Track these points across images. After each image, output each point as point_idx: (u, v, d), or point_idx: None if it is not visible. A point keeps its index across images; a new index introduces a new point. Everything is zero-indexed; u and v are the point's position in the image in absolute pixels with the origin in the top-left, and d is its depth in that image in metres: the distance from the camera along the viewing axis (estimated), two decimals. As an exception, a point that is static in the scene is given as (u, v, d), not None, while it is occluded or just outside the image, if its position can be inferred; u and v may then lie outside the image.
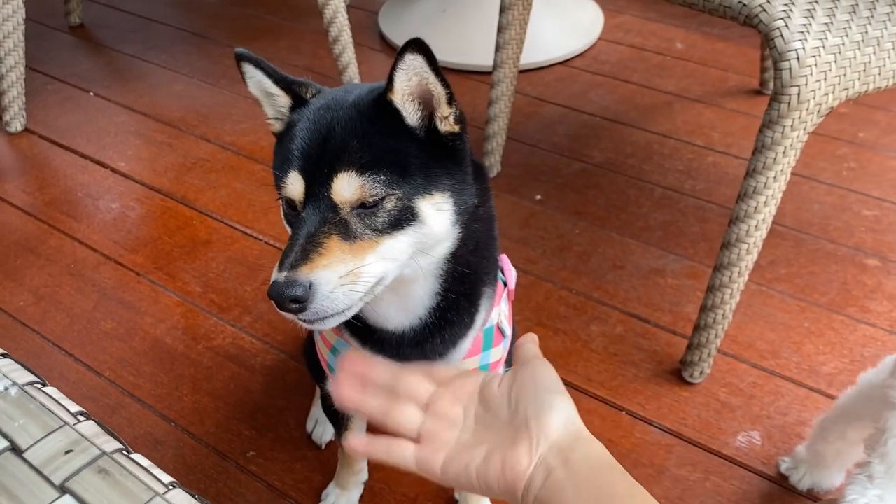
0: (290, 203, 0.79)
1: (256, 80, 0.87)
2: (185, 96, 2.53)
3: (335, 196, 0.74)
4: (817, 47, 1.16)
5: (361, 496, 1.34)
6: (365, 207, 0.74)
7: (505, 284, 1.01)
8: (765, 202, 1.29)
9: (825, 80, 1.17)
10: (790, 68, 1.16)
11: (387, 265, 0.76)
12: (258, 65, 0.85)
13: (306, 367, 1.44)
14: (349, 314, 0.75)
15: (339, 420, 1.17)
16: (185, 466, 1.42)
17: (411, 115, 0.79)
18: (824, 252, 1.87)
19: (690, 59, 2.63)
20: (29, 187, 2.15)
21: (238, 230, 1.96)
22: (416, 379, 0.76)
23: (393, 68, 0.75)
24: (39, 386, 0.68)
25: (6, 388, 0.65)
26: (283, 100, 0.87)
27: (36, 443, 0.61)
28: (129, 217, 2.03)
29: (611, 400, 1.51)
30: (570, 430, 0.68)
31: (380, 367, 0.79)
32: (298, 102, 0.85)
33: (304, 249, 0.71)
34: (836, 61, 1.17)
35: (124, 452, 0.60)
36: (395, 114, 0.78)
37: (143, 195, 2.10)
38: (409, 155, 0.78)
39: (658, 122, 2.35)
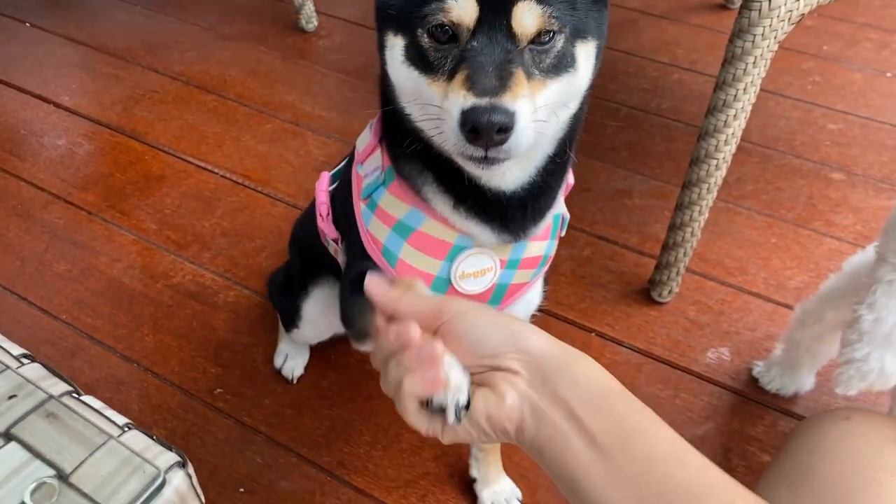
0: (443, 32, 0.69)
1: None
2: (129, 25, 2.40)
3: (516, 25, 0.67)
4: (788, -50, 1.11)
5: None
6: (537, 44, 0.68)
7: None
8: (734, 115, 1.26)
9: (796, -15, 1.13)
10: (761, -27, 1.11)
11: (549, 112, 0.71)
12: None
13: (276, 309, 1.41)
14: (519, 159, 0.71)
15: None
16: (150, 406, 1.39)
17: None
18: (790, 167, 1.86)
19: (654, -26, 2.56)
20: (-33, 126, 2.04)
21: (192, 164, 1.89)
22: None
23: None
24: (-22, 329, 0.63)
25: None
26: None
27: (-25, 388, 0.56)
28: (76, 154, 1.93)
29: (580, 322, 1.50)
30: (536, 356, 0.61)
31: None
32: None
33: (499, 77, 0.64)
34: (807, -35, 1.13)
35: (74, 395, 0.56)
36: None
37: (91, 130, 2.01)
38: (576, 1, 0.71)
39: (623, 40, 2.29)
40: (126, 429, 0.54)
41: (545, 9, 0.67)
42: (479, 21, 0.67)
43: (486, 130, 0.63)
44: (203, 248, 1.68)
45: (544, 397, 0.59)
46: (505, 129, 0.63)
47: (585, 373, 0.60)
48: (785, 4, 1.13)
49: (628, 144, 1.93)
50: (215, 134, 1.97)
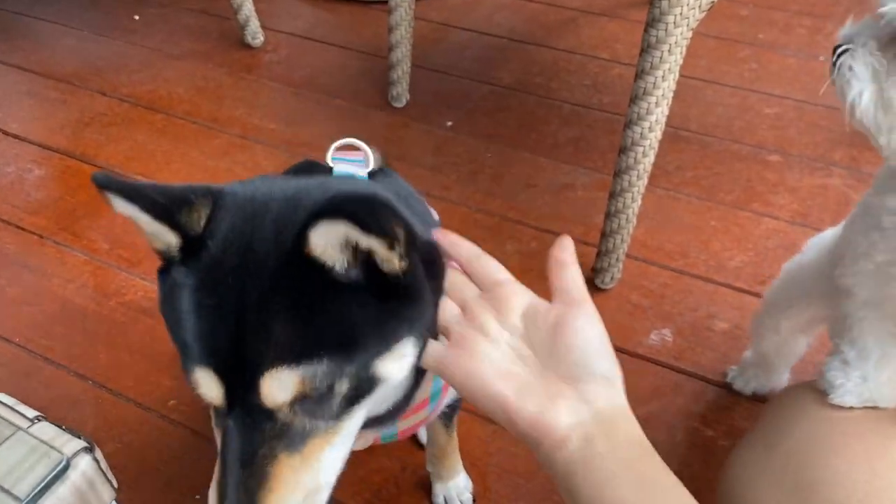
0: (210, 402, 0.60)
1: (129, 214, 0.61)
2: (76, 50, 2.42)
3: (267, 401, 0.55)
4: (692, -60, 1.16)
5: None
6: (309, 401, 0.57)
7: None
8: (656, 102, 1.30)
9: (702, -27, 1.18)
10: (667, -36, 1.16)
11: (345, 451, 0.61)
12: (128, 195, 0.59)
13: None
14: None
15: None
16: (105, 422, 1.40)
17: (341, 264, 0.57)
18: (729, 152, 1.91)
19: (593, -26, 2.62)
20: (-84, 158, 2.04)
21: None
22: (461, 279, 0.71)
23: (302, 230, 0.55)
24: None
25: None
26: (171, 237, 0.61)
27: None
28: (26, 179, 1.94)
29: (527, 313, 1.53)
30: (615, 403, 0.63)
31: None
32: (188, 243, 0.61)
33: (245, 487, 0.54)
34: (711, -47, 1.18)
35: (-15, 393, 0.59)
36: (321, 268, 0.57)
37: (40, 156, 2.02)
38: (353, 317, 0.58)
39: (564, 39, 2.34)
40: (36, 420, 0.56)
41: (304, 370, 0.55)
42: (229, 399, 0.57)
43: None
44: (155, 264, 1.68)
45: (601, 435, 0.60)
46: None
47: (634, 428, 0.63)
48: (692, -8, 1.18)
49: (572, 140, 1.98)
50: (164, 152, 1.99)
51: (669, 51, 1.24)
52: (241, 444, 0.55)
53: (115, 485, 0.57)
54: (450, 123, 2.06)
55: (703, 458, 1.30)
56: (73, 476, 0.53)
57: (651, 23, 1.23)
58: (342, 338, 0.56)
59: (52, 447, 0.53)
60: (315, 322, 0.56)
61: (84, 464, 0.54)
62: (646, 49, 1.25)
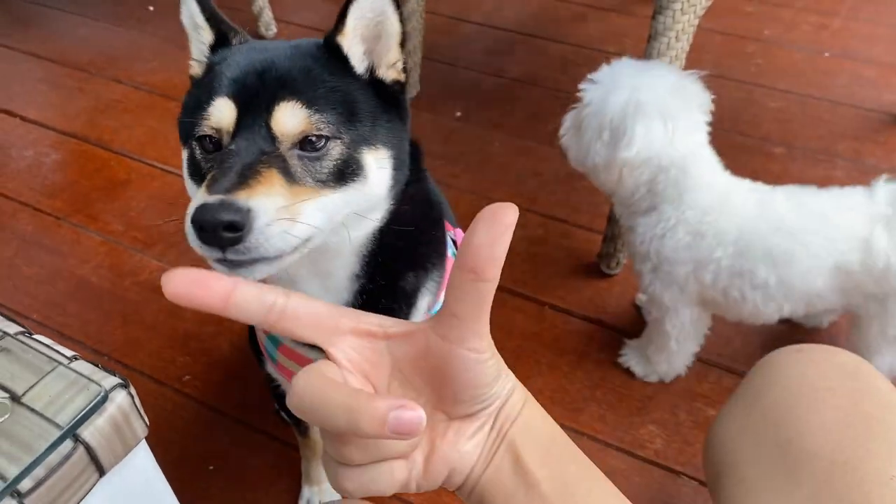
0: (209, 140, 0.66)
1: (188, 9, 0.75)
2: (92, 39, 2.46)
3: (276, 126, 0.63)
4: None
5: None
6: (307, 150, 0.64)
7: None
8: (662, 88, 1.33)
9: (709, -39, 1.21)
10: (675, -49, 1.19)
11: (323, 219, 0.64)
12: None
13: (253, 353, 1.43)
14: (279, 265, 0.61)
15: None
16: (121, 396, 1.43)
17: (358, 60, 0.71)
18: (734, 144, 1.94)
19: (602, -30, 2.65)
20: (-65, 142, 2.08)
21: (157, 168, 1.94)
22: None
23: (348, 2, 0.68)
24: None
25: None
26: (206, 35, 0.74)
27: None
28: (43, 163, 1.98)
29: (534, 296, 1.56)
30: (515, 397, 0.54)
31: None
32: (221, 42, 0.74)
33: (240, 175, 0.59)
34: (718, -58, 1.21)
35: (26, 334, 0.62)
36: (341, 58, 0.70)
37: (57, 141, 2.06)
38: (356, 99, 0.69)
39: (572, 33, 2.38)
40: (73, 359, 0.59)
41: (312, 113, 0.64)
42: (239, 124, 0.64)
43: (211, 228, 0.55)
44: (169, 246, 1.73)
45: (498, 442, 0.54)
46: (235, 227, 0.55)
47: (535, 416, 0.55)
48: (699, -21, 1.21)
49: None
50: (178, 139, 2.02)
51: (677, 38, 1.27)
52: (242, 154, 0.61)
53: (147, 422, 0.61)
54: (459, 114, 2.09)
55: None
56: (111, 409, 0.56)
57: (659, 10, 1.26)
58: (346, 108, 0.67)
59: (91, 380, 0.56)
60: (328, 86, 0.67)
61: (120, 398, 0.57)
62: (654, 36, 1.29)
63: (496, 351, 0.52)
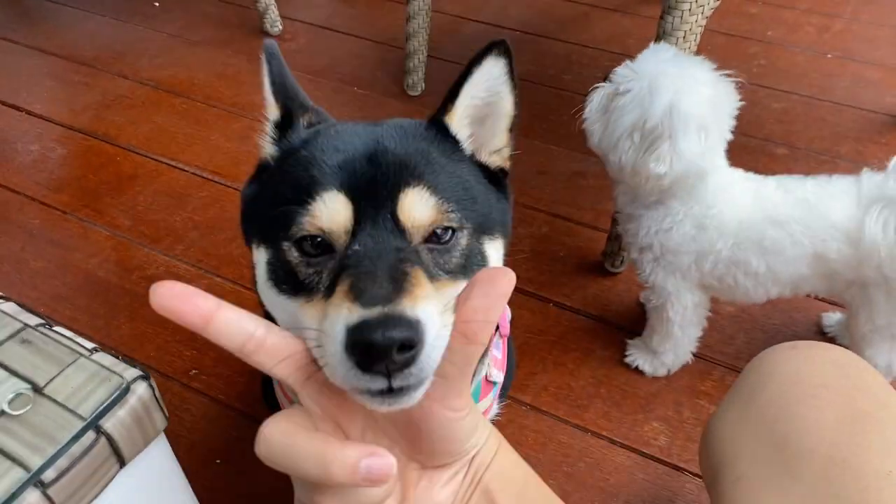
0: (311, 242, 0.56)
1: (264, 82, 0.68)
2: (98, 35, 2.47)
3: (403, 216, 0.54)
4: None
5: None
6: (433, 242, 0.56)
7: (496, 329, 0.88)
8: (669, 89, 1.34)
9: (717, -37, 1.22)
10: (683, -47, 1.20)
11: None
12: (269, 60, 0.68)
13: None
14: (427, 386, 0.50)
15: None
16: (128, 390, 1.44)
17: (466, 142, 0.65)
18: (737, 144, 1.92)
19: (606, -30, 2.66)
20: (-59, 136, 2.09)
21: (163, 163, 1.95)
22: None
23: (465, 75, 0.63)
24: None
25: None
26: (272, 111, 0.67)
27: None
28: (50, 158, 1.99)
29: (539, 293, 1.57)
30: (489, 445, 0.55)
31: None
32: (287, 122, 0.67)
33: (392, 278, 0.49)
34: (726, -56, 1.21)
35: (47, 326, 0.63)
36: (451, 140, 0.65)
37: (63, 136, 2.06)
38: (472, 184, 0.62)
39: (576, 33, 2.38)
40: (94, 350, 0.60)
41: (440, 200, 0.56)
42: (358, 221, 0.54)
43: (384, 350, 0.45)
44: (176, 240, 1.74)
45: (472, 489, 0.54)
46: (410, 346, 0.46)
47: (509, 462, 0.55)
48: (707, -19, 1.22)
49: (583, 130, 2.01)
50: (185, 134, 2.03)
51: (684, 38, 1.28)
52: (378, 252, 0.52)
53: (167, 415, 0.62)
54: (464, 112, 2.09)
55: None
56: (132, 400, 0.57)
57: (667, 10, 1.27)
58: (465, 193, 0.60)
59: (112, 372, 0.57)
60: (447, 170, 0.60)
61: (141, 389, 0.58)
62: (661, 36, 1.29)
63: (473, 404, 0.52)
